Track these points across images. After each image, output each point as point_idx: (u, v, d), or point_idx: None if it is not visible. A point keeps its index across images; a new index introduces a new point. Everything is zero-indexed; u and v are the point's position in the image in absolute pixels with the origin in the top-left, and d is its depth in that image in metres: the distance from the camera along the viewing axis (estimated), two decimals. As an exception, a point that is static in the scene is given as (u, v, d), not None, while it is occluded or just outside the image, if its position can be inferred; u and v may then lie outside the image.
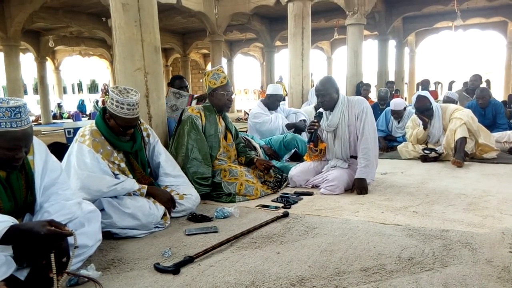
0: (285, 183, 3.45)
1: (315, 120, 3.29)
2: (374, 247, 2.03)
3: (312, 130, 3.26)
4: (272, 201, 3.00)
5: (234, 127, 3.58)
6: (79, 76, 35.56)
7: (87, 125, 2.53)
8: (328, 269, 1.81)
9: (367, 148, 3.19)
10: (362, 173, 3.18)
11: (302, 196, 3.11)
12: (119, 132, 2.46)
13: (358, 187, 3.16)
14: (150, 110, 3.27)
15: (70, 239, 1.67)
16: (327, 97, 3.25)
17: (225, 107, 3.32)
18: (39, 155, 1.90)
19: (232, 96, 3.37)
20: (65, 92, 28.99)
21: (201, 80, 20.04)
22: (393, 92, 9.72)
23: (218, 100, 3.28)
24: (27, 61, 16.90)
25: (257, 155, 3.55)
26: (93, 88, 36.73)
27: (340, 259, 1.91)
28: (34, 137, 1.83)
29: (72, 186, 2.14)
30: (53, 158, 2.00)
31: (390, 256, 1.91)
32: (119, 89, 2.44)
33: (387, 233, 2.22)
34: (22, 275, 1.65)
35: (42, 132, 10.39)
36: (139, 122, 2.61)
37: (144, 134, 2.72)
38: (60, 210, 1.84)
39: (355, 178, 3.20)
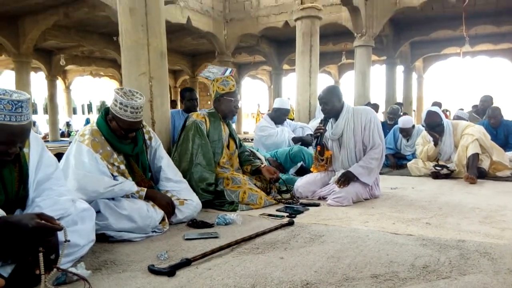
0: (291, 194, 3.32)
1: (321, 125, 3.25)
2: (386, 255, 1.88)
3: (319, 134, 3.23)
4: (277, 210, 2.87)
5: (238, 136, 3.50)
6: (89, 97, 36.05)
7: (87, 125, 2.47)
8: (336, 275, 1.67)
9: (373, 158, 3.15)
10: (355, 168, 3.15)
11: (308, 207, 2.98)
12: (120, 135, 2.39)
13: (344, 174, 3.14)
14: (153, 115, 3.21)
15: (61, 237, 1.56)
16: (329, 105, 3.24)
17: (231, 114, 3.27)
18: (35, 148, 1.83)
19: (239, 104, 3.32)
20: (74, 112, 29.27)
21: (208, 94, 20.03)
22: (401, 113, 9.65)
23: (225, 106, 3.23)
24: (38, 81, 17.17)
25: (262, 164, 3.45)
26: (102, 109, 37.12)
27: (349, 265, 1.77)
28: (31, 131, 1.75)
29: (69, 186, 2.05)
30: (48, 153, 1.92)
31: (403, 264, 1.77)
32: (124, 91, 2.38)
33: (399, 242, 2.08)
34: (6, 271, 1.54)
35: (49, 149, 10.36)
36: (141, 125, 2.54)
37: (146, 137, 2.64)
38: (52, 205, 1.74)
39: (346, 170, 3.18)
